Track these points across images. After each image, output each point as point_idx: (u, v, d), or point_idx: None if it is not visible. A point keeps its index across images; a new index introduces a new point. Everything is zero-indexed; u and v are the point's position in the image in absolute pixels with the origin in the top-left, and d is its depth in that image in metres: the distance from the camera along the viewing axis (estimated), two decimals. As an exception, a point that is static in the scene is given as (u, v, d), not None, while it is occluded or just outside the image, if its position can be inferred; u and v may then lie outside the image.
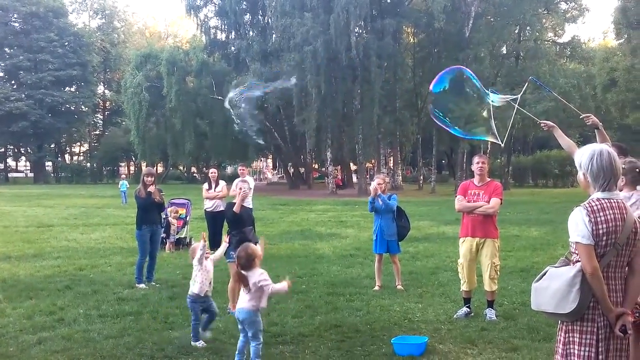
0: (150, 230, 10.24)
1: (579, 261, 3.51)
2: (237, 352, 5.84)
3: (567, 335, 3.57)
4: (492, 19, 44.79)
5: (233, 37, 51.49)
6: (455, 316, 7.73)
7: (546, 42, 48.98)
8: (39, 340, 6.74)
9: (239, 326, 5.82)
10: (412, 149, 55.42)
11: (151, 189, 10.25)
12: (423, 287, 9.55)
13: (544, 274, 3.66)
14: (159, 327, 7.34)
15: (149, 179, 10.41)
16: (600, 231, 3.45)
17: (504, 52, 48.37)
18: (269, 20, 49.18)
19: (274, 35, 47.81)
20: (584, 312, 3.46)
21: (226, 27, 51.44)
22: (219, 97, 45.81)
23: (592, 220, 3.46)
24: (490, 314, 7.69)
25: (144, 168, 68.92)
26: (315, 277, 10.02)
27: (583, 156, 3.63)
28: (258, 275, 5.69)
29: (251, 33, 49.77)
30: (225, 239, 7.77)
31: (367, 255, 12.56)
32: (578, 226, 3.49)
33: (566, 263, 3.64)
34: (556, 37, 50.76)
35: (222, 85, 45.72)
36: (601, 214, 3.47)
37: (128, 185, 30.31)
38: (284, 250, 13.78)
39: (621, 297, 3.53)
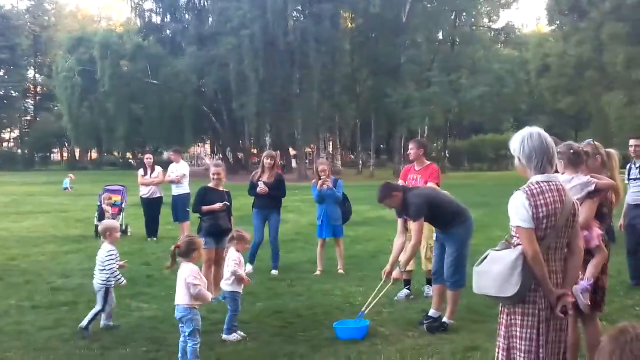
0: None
1: (519, 244, 3.54)
2: (179, 354, 5.53)
3: (509, 317, 3.60)
4: (428, 5, 45.28)
5: (168, 19, 50.58)
6: (395, 298, 7.81)
7: (481, 28, 49.86)
8: (-34, 333, 6.46)
9: (179, 324, 5.58)
10: (350, 134, 55.69)
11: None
12: (364, 270, 9.58)
13: (485, 257, 3.68)
14: (95, 317, 7.12)
15: (269, 160, 9.76)
16: (540, 214, 3.48)
17: (440, 37, 48.95)
18: (205, 3, 48.54)
19: (210, 19, 47.21)
20: (525, 294, 3.50)
21: (161, 10, 50.55)
22: (154, 81, 45.00)
23: (532, 203, 3.48)
24: (427, 289, 7.92)
25: (76, 154, 67.73)
26: (256, 263, 9.92)
27: (515, 141, 3.67)
28: (188, 271, 5.43)
29: (187, 16, 49.07)
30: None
31: (307, 239, 12.53)
32: (518, 210, 3.51)
33: (507, 246, 3.67)
34: (491, 23, 51.70)
35: (157, 69, 44.90)
36: (540, 197, 3.50)
37: (69, 186, 29.47)
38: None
39: (561, 278, 3.58)
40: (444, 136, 52.94)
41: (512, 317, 3.58)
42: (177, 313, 5.51)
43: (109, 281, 6.66)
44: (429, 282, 7.98)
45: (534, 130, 3.66)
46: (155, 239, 13.03)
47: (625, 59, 27.48)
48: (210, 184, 8.37)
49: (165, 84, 45.01)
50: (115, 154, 69.45)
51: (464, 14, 47.20)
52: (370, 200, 22.04)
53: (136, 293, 8.21)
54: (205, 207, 8.13)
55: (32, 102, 73.96)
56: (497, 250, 3.67)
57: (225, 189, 8.46)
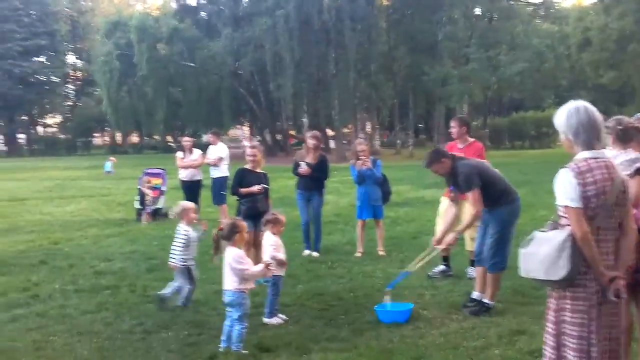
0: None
1: (567, 225, 3.41)
2: (222, 337, 5.52)
3: (558, 302, 3.47)
4: (465, -20, 44.37)
5: (204, 1, 50.63)
6: (429, 274, 7.74)
7: (520, 2, 48.71)
8: (12, 317, 6.55)
9: (227, 308, 5.56)
10: (388, 114, 55.20)
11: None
12: (405, 252, 9.46)
13: (532, 238, 3.56)
14: (137, 300, 7.18)
15: (313, 141, 9.61)
16: (589, 193, 3.33)
17: (478, 13, 48.06)
18: (240, -16, 48.44)
19: (244, 0, 47.09)
20: (575, 277, 3.37)
21: (196, -8, 50.60)
22: (192, 64, 45.14)
23: (580, 182, 3.33)
24: (471, 271, 7.71)
25: (118, 138, 68.54)
26: (296, 245, 9.88)
27: (560, 116, 3.52)
28: (232, 256, 5.41)
29: (222, -2, 48.99)
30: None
31: (347, 221, 12.45)
32: (566, 188, 3.36)
33: (554, 227, 3.53)
34: (529, -2, 50.57)
35: (194, 52, 45.01)
36: (589, 174, 3.35)
37: (112, 169, 29.95)
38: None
39: (613, 260, 3.43)
40: (484, 114, 52.13)
41: (562, 301, 3.45)
42: (225, 298, 5.49)
43: (187, 261, 6.87)
44: (472, 264, 7.77)
45: (580, 104, 3.50)
46: (195, 221, 13.07)
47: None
48: (248, 166, 8.32)
49: (202, 67, 45.13)
50: (156, 137, 70.10)
51: (502, -12, 46.29)
52: (410, 180, 21.96)
53: (177, 276, 8.24)
54: (243, 190, 8.11)
55: (73, 87, 74.92)
56: (544, 231, 3.54)
57: (262, 171, 8.42)
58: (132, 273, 8.54)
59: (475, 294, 6.52)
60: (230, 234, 5.49)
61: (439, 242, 6.53)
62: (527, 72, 39.53)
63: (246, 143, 63.64)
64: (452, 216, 6.68)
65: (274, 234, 6.34)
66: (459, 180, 6.33)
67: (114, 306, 6.95)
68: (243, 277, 5.40)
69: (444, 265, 7.98)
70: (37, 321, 6.42)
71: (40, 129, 74.04)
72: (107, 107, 48.60)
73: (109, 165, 30.37)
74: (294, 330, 5.96)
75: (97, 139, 76.51)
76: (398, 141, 47.17)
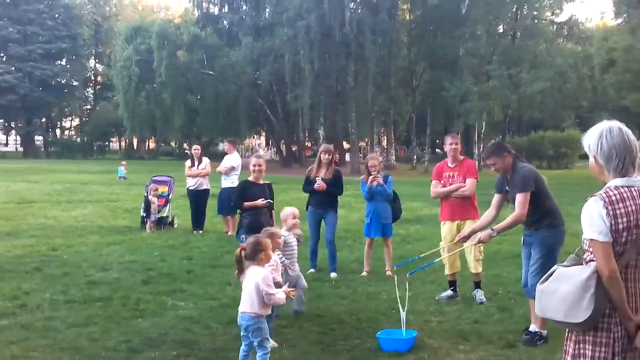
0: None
1: (592, 260, 2.99)
2: None
3: (577, 346, 3.04)
4: (488, -4, 43.96)
5: (226, 10, 50.73)
6: (437, 298, 7.39)
7: (544, 21, 48.16)
8: (-5, 329, 6.22)
9: (242, 332, 5.13)
10: (405, 128, 54.76)
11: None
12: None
13: (551, 273, 3.14)
14: (127, 315, 6.80)
15: (327, 156, 9.22)
16: (620, 226, 2.91)
17: (501, 30, 47.57)
18: (262, -7, 48.47)
19: (267, 9, 47.07)
20: (598, 320, 2.94)
21: (219, 1, 50.58)
22: (211, 72, 45.05)
23: (611, 213, 2.91)
24: (479, 295, 7.41)
25: (134, 143, 68.73)
26: (301, 261, 9.47)
27: (591, 137, 3.08)
28: (262, 278, 4.99)
29: (244, 7, 48.98)
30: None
31: (356, 237, 12.04)
32: (594, 220, 2.93)
33: (577, 262, 3.11)
34: (554, 17, 49.90)
35: (213, 60, 44.93)
36: (620, 205, 2.93)
37: (125, 174, 29.84)
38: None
39: (640, 302, 3.01)
40: (502, 132, 51.54)
41: (581, 346, 3.02)
42: (241, 321, 5.06)
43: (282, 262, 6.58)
44: (477, 286, 7.51)
45: (614, 124, 3.07)
46: (201, 232, 12.78)
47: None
48: (251, 178, 7.92)
49: (221, 75, 45.00)
50: (172, 144, 70.17)
51: (526, 6, 45.66)
52: (424, 197, 21.44)
53: (174, 290, 7.91)
54: (247, 203, 7.69)
55: (92, 91, 75.33)
56: (566, 266, 3.12)
57: (265, 182, 8.03)
58: (127, 285, 8.17)
59: (532, 326, 6.05)
60: (254, 253, 5.10)
61: (464, 238, 6.09)
62: (548, 92, 38.96)
63: (261, 152, 63.11)
64: (490, 218, 6.24)
65: (272, 250, 5.94)
66: (515, 179, 5.92)
67: (103, 320, 6.60)
68: (270, 301, 5.04)
69: (452, 290, 7.57)
70: (20, 334, 6.07)
71: (57, 132, 74.44)
72: (124, 111, 48.57)
73: (122, 170, 30.17)
74: (288, 356, 5.56)
75: (114, 144, 76.76)
76: (414, 156, 46.69)
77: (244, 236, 7.11)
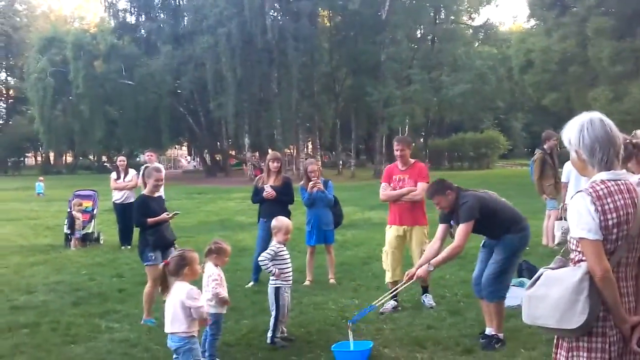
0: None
1: (582, 260, 2.79)
2: None
3: (570, 354, 2.83)
4: (407, 2, 44.59)
5: (143, 19, 49.51)
6: (381, 310, 7.06)
7: (461, 25, 49.33)
8: None
9: (174, 356, 4.77)
10: (330, 134, 54.88)
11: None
12: (357, 279, 8.82)
13: (538, 277, 2.92)
14: (58, 341, 6.27)
15: (275, 164, 8.83)
16: (610, 222, 2.72)
17: (420, 35, 48.36)
18: (181, 1, 47.66)
19: (185, 17, 46.28)
20: (593, 325, 2.74)
21: (136, 9, 49.35)
22: (130, 82, 43.91)
23: (599, 209, 2.72)
24: (428, 299, 7.27)
25: (51, 158, 66.24)
26: (239, 273, 9.11)
27: (571, 131, 2.90)
28: (185, 293, 4.61)
29: (162, 15, 48.00)
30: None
31: (293, 246, 11.64)
32: (582, 217, 2.73)
33: (564, 263, 2.91)
34: (471, 21, 51.26)
35: (132, 70, 43.79)
36: (609, 199, 2.74)
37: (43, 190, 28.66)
38: (202, 243, 12.64)
39: (634, 301, 2.82)
40: (424, 135, 52.42)
41: (575, 353, 2.81)
42: (171, 343, 4.68)
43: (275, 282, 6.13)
44: (425, 291, 7.36)
45: (595, 116, 2.89)
46: (129, 247, 12.16)
47: (611, 53, 26.94)
48: (146, 192, 7.21)
49: (141, 85, 43.86)
50: (91, 157, 68.04)
51: (444, 10, 46.66)
52: (354, 201, 21.43)
53: (106, 311, 7.40)
54: (151, 220, 6.95)
55: (4, 105, 72.29)
56: (553, 268, 2.91)
57: (158, 194, 7.49)
58: (56, 307, 7.60)
59: (488, 329, 5.90)
60: (178, 268, 4.69)
61: (411, 277, 5.82)
62: (468, 94, 39.83)
63: (185, 163, 61.71)
64: (435, 249, 5.92)
65: (217, 265, 5.56)
66: (459, 213, 5.73)
67: (32, 349, 6.06)
68: (196, 317, 4.64)
69: (394, 300, 7.25)
70: (-64, 369, 5.48)
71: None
72: (40, 125, 46.64)
73: (41, 186, 28.88)
74: (239, 377, 5.20)
75: (29, 159, 73.89)
76: (340, 162, 46.83)
77: (152, 254, 6.70)
